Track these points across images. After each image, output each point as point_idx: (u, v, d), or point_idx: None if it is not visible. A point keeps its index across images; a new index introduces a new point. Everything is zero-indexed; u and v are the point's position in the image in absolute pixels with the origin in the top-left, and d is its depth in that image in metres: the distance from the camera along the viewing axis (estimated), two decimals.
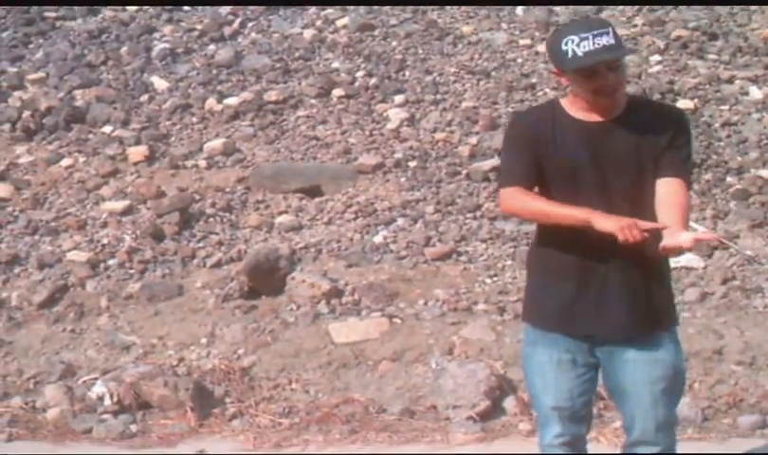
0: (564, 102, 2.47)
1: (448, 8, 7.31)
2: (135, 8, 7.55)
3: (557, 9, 7.28)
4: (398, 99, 6.30)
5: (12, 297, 4.75)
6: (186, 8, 7.54)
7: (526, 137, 2.43)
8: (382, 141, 5.96)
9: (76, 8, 7.52)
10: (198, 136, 6.11)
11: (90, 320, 4.62)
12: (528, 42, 6.85)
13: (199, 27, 7.22)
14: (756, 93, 6.33)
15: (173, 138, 6.11)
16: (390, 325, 4.44)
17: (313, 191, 5.58)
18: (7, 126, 6.25)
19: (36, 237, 5.21)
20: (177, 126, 6.21)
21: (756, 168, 5.69)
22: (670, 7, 7.27)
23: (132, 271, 4.95)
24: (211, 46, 7.00)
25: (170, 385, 4.03)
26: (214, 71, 6.69)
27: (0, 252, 5.06)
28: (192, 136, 6.13)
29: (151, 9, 7.50)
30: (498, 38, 6.89)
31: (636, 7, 7.26)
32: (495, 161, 5.68)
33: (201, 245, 5.16)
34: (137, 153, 5.89)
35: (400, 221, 5.29)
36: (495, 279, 4.82)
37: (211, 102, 6.36)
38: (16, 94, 6.58)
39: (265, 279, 4.74)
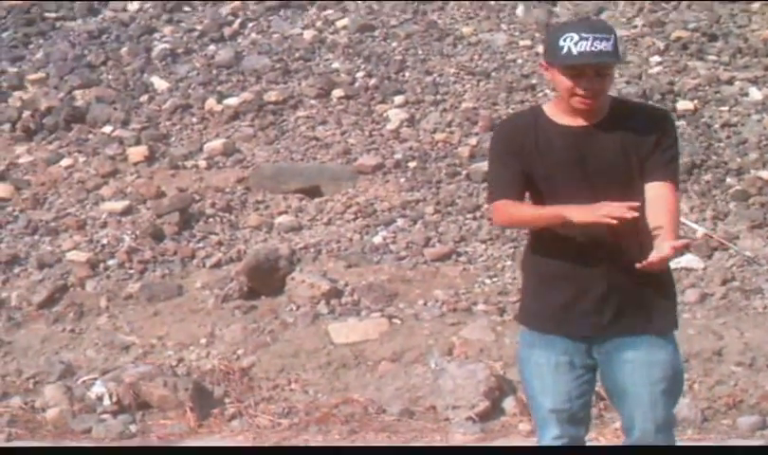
0: (547, 108, 2.46)
1: (448, 8, 7.31)
2: (135, 8, 7.55)
3: (558, 9, 7.28)
4: (398, 99, 6.30)
5: (12, 297, 4.75)
6: (186, 8, 7.55)
7: (510, 147, 2.41)
8: (382, 142, 5.96)
9: (76, 8, 7.53)
10: (198, 137, 6.11)
11: (90, 320, 4.62)
12: (528, 43, 6.86)
13: (199, 27, 7.22)
14: (755, 94, 6.33)
15: (172, 139, 6.11)
16: (389, 326, 4.44)
17: (313, 192, 5.58)
18: (7, 126, 6.25)
19: (36, 237, 5.21)
20: (177, 126, 6.21)
21: (755, 169, 5.69)
22: (670, 8, 7.27)
23: (131, 271, 4.95)
24: (211, 47, 7.00)
25: (169, 385, 4.03)
26: (214, 71, 6.69)
27: (0, 252, 5.06)
28: (191, 136, 6.13)
29: (151, 10, 7.51)
30: (498, 39, 6.89)
31: (636, 8, 7.27)
32: None
33: (201, 245, 5.16)
34: (137, 153, 5.89)
35: (400, 221, 5.29)
36: (494, 279, 4.82)
37: (211, 103, 6.36)
38: (16, 94, 6.58)
39: (265, 279, 4.74)
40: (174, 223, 5.25)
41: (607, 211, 2.23)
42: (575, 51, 2.28)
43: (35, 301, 4.71)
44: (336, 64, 6.71)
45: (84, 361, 4.31)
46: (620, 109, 2.43)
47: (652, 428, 2.41)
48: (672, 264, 2.56)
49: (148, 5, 7.55)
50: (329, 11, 7.33)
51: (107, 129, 6.17)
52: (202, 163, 5.85)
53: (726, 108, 6.20)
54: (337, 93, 6.38)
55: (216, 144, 5.97)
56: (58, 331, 4.54)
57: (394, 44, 6.90)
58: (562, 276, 2.40)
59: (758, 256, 5.00)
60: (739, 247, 5.05)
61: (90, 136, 6.15)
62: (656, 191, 2.35)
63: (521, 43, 6.86)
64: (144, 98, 6.47)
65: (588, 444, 2.62)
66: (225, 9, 7.43)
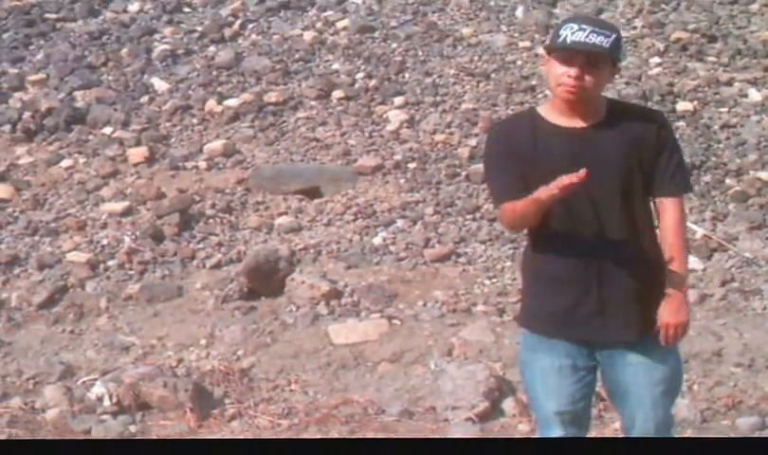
0: (543, 110, 2.46)
1: (447, 10, 7.32)
2: (135, 9, 7.56)
3: (558, 11, 7.29)
4: (398, 100, 6.31)
5: (12, 297, 4.76)
6: (186, 9, 7.56)
7: (508, 149, 2.41)
8: (382, 143, 5.97)
9: (76, 9, 7.54)
10: (198, 138, 6.12)
11: (90, 321, 4.63)
12: (528, 44, 6.86)
13: (199, 28, 7.23)
14: (755, 95, 6.34)
15: (173, 140, 6.11)
16: (389, 326, 4.44)
17: (312, 193, 5.59)
18: (7, 127, 6.25)
19: (36, 238, 5.22)
20: (177, 127, 6.21)
21: (755, 170, 5.70)
22: (670, 9, 7.28)
23: (131, 272, 4.95)
24: (212, 48, 7.01)
25: (169, 386, 4.03)
26: (214, 72, 6.70)
27: (0, 253, 5.07)
28: (192, 137, 6.13)
29: (151, 11, 7.52)
30: (497, 40, 6.90)
31: (636, 9, 7.28)
32: None
33: (201, 246, 5.17)
34: (137, 154, 5.90)
35: (399, 222, 5.30)
36: (494, 280, 4.83)
37: (211, 104, 6.36)
38: (17, 95, 6.59)
39: (265, 280, 4.75)
40: (174, 224, 5.26)
41: (567, 181, 2.21)
42: (569, 39, 2.31)
43: (35, 302, 4.71)
44: (336, 66, 6.72)
45: (84, 362, 4.31)
46: (617, 110, 2.44)
47: (652, 428, 2.44)
48: None
49: (148, 6, 7.56)
50: (329, 12, 7.34)
51: (107, 130, 6.18)
52: (202, 164, 5.85)
53: (726, 109, 6.21)
54: (337, 94, 6.38)
55: (216, 145, 5.97)
56: (58, 331, 4.55)
57: (394, 45, 6.91)
58: (563, 279, 2.40)
59: (757, 257, 5.00)
60: (738, 248, 5.05)
61: (90, 136, 6.16)
62: (666, 210, 2.41)
63: (521, 44, 6.87)
64: (144, 99, 6.48)
65: None
66: (225, 11, 7.44)
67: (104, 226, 5.31)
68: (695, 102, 6.24)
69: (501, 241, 5.12)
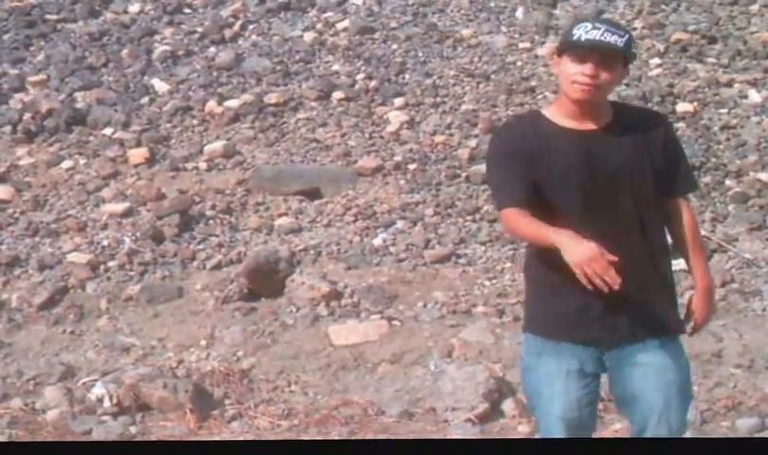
0: (549, 111, 2.43)
1: (448, 11, 7.33)
2: (136, 10, 7.57)
3: (558, 12, 7.29)
4: (398, 101, 6.32)
5: (12, 298, 4.76)
6: (187, 10, 7.56)
7: (514, 150, 2.36)
8: (382, 144, 5.97)
9: (77, 10, 7.54)
10: (198, 139, 6.12)
11: (90, 322, 4.63)
12: (528, 45, 6.87)
13: (200, 29, 7.24)
14: (755, 96, 6.34)
15: (173, 141, 6.12)
16: (389, 327, 4.44)
17: (313, 194, 5.59)
18: (8, 128, 6.26)
19: (36, 239, 5.22)
20: (178, 128, 6.22)
21: (755, 171, 5.70)
22: (670, 10, 7.28)
23: (132, 273, 4.96)
24: (212, 49, 7.01)
25: (169, 387, 4.04)
26: (215, 73, 6.71)
27: (0, 254, 5.07)
28: (192, 138, 6.14)
29: (152, 12, 7.52)
30: (497, 41, 6.90)
31: (636, 10, 7.28)
32: None
33: (201, 247, 5.17)
34: (138, 155, 5.91)
35: (400, 223, 5.30)
36: (494, 281, 4.83)
37: (212, 105, 6.37)
38: (17, 96, 6.59)
39: (265, 281, 4.75)
40: (175, 225, 5.26)
41: (591, 271, 2.15)
42: (584, 37, 2.31)
43: (35, 303, 4.72)
44: (336, 67, 6.72)
45: (85, 363, 4.31)
46: (623, 112, 2.45)
47: (665, 432, 2.39)
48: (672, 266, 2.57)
49: (149, 7, 7.57)
50: (329, 14, 7.34)
51: (108, 131, 6.18)
52: (202, 165, 5.86)
53: (726, 110, 6.21)
54: (337, 95, 6.39)
55: (217, 146, 5.98)
56: (58, 332, 4.55)
57: (394, 46, 6.92)
58: (570, 282, 2.33)
59: (757, 258, 5.01)
60: (738, 250, 5.06)
61: (91, 137, 6.17)
62: (680, 210, 2.45)
63: (521, 45, 6.87)
64: (145, 100, 6.49)
65: None
66: (225, 12, 7.44)
67: (105, 226, 5.31)
68: (695, 103, 6.24)
69: (501, 242, 5.12)
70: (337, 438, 3.83)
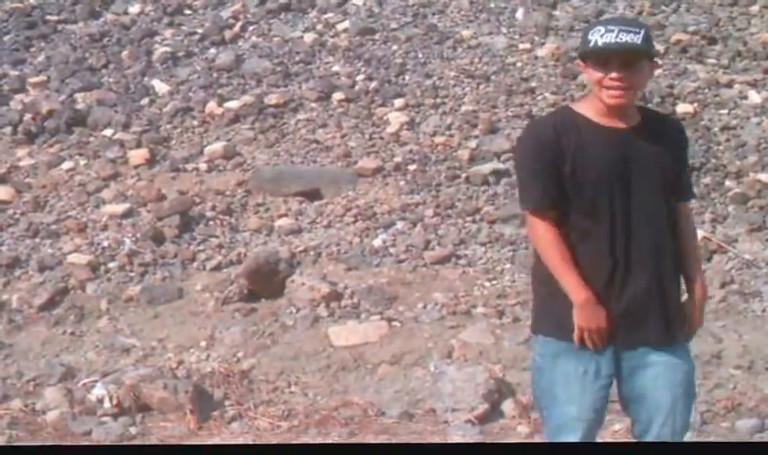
0: (581, 108, 2.43)
1: (448, 12, 7.34)
2: (136, 11, 7.58)
3: (558, 13, 7.30)
4: (398, 102, 6.32)
5: (13, 299, 4.77)
6: (187, 11, 7.57)
7: (546, 146, 2.36)
8: (382, 145, 5.97)
9: (77, 11, 7.55)
10: (199, 140, 6.13)
11: (90, 323, 4.63)
12: (528, 46, 6.87)
13: (200, 30, 7.24)
14: (755, 97, 6.34)
15: (173, 142, 6.12)
16: (389, 328, 4.45)
17: (313, 195, 5.60)
18: (8, 129, 6.27)
19: (37, 240, 5.23)
20: (178, 129, 6.23)
21: (754, 172, 5.70)
22: (670, 11, 7.29)
23: (132, 274, 4.96)
24: (212, 50, 7.02)
25: (169, 388, 4.04)
26: (215, 74, 6.71)
27: (1, 255, 5.08)
28: (192, 139, 6.14)
29: (152, 13, 7.53)
30: (497, 42, 6.91)
31: (636, 11, 7.28)
32: (494, 165, 5.70)
33: (201, 248, 5.18)
34: (138, 156, 5.91)
35: (399, 224, 5.31)
36: (494, 282, 4.83)
37: (212, 106, 6.38)
38: (18, 97, 6.60)
39: (265, 282, 4.75)
40: (175, 226, 5.27)
41: (588, 335, 2.38)
42: (600, 42, 2.32)
43: (36, 304, 4.72)
44: (336, 68, 6.73)
45: (85, 364, 4.32)
46: (649, 115, 2.48)
47: (668, 433, 2.41)
48: None
49: (149, 8, 7.58)
50: (329, 15, 7.35)
51: (108, 132, 6.19)
52: (202, 166, 5.87)
53: (726, 111, 6.21)
54: (337, 96, 6.39)
55: (217, 147, 5.99)
56: (58, 333, 4.56)
57: (395, 47, 6.92)
58: (591, 283, 2.37)
59: (756, 259, 5.01)
60: (737, 250, 5.06)
61: (91, 139, 6.17)
62: (686, 215, 2.52)
63: (521, 46, 6.88)
64: (145, 101, 6.49)
65: None
66: (225, 13, 7.45)
67: (105, 227, 5.32)
68: (695, 104, 6.24)
69: (500, 243, 5.13)
70: (336, 439, 3.83)
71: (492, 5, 7.36)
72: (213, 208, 5.46)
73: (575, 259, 2.38)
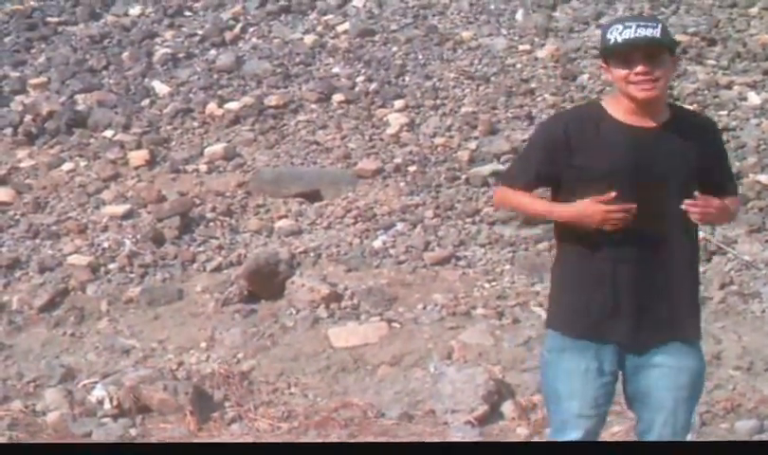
0: (608, 105, 2.45)
1: (448, 13, 7.34)
2: (136, 13, 7.59)
3: (557, 14, 7.30)
4: (398, 104, 6.33)
5: (13, 300, 4.77)
6: (187, 13, 7.58)
7: (551, 140, 2.41)
8: (382, 146, 5.98)
9: (78, 13, 7.56)
10: (199, 141, 6.14)
11: (90, 324, 4.64)
12: (528, 47, 6.88)
13: (200, 32, 7.25)
14: (754, 98, 6.35)
15: (173, 143, 6.13)
16: (389, 330, 4.45)
17: (313, 196, 5.60)
18: (9, 130, 6.28)
19: (37, 241, 5.23)
20: (178, 130, 6.23)
21: (754, 173, 5.70)
22: (669, 12, 7.29)
23: (132, 275, 4.97)
24: (212, 51, 7.03)
25: (169, 389, 4.04)
26: (215, 76, 6.72)
27: (1, 256, 5.08)
28: (192, 140, 6.15)
29: (152, 15, 7.54)
30: (497, 43, 6.92)
31: (635, 12, 7.28)
32: (494, 166, 5.70)
33: (201, 249, 5.18)
34: (138, 157, 5.92)
35: (399, 226, 5.31)
36: (493, 283, 4.84)
37: (212, 107, 6.38)
38: (18, 98, 6.61)
39: (265, 283, 4.76)
40: (175, 227, 5.27)
41: (598, 219, 2.32)
42: (620, 39, 2.33)
43: (36, 305, 4.73)
44: (336, 69, 6.74)
45: (85, 365, 4.32)
46: (681, 113, 2.48)
47: (669, 433, 2.42)
48: None
49: (149, 10, 7.59)
50: (330, 16, 7.36)
51: (108, 133, 6.20)
52: (203, 167, 5.87)
53: (725, 112, 6.22)
54: (337, 97, 6.40)
55: (217, 148, 5.99)
56: (59, 334, 4.56)
57: (395, 48, 6.93)
58: (597, 282, 2.39)
59: (756, 260, 5.01)
60: (737, 252, 5.06)
61: (91, 140, 6.18)
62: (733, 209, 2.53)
63: (521, 47, 6.88)
64: (145, 102, 6.50)
65: None
66: (226, 14, 7.46)
67: (105, 229, 5.32)
68: (695, 105, 6.24)
69: (500, 244, 5.13)
70: (336, 440, 3.84)
71: (492, 6, 7.37)
72: (213, 209, 5.47)
73: (578, 254, 2.43)
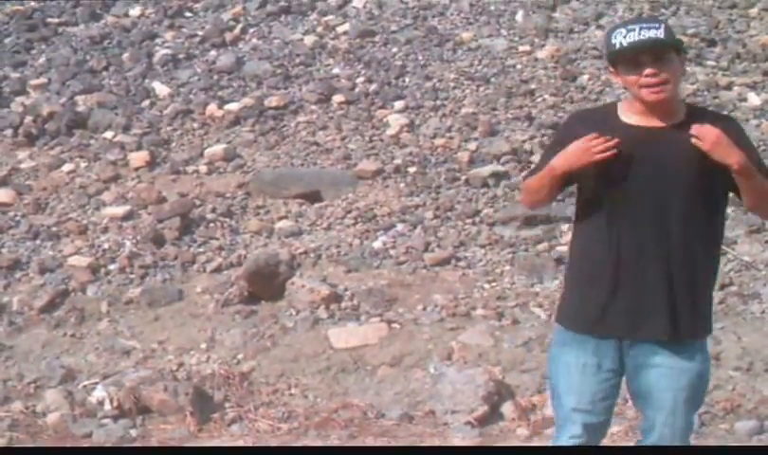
0: (622, 106, 2.47)
1: (448, 14, 7.35)
2: (136, 14, 7.59)
3: (557, 15, 7.31)
4: (398, 104, 6.33)
5: (13, 301, 4.78)
6: (187, 14, 7.59)
7: (572, 139, 2.42)
8: (382, 147, 5.99)
9: (78, 14, 7.57)
10: (199, 142, 6.14)
11: (91, 325, 4.64)
12: (527, 48, 6.88)
13: (200, 32, 7.26)
14: (754, 99, 6.35)
15: (173, 144, 6.14)
16: (389, 330, 4.46)
17: (313, 197, 5.61)
18: (9, 131, 6.28)
19: (37, 242, 5.24)
20: (178, 132, 6.24)
21: None
22: (669, 13, 7.30)
23: (132, 276, 4.97)
24: (213, 52, 7.03)
25: (169, 390, 4.05)
26: (215, 77, 6.73)
27: (1, 257, 5.09)
28: (192, 141, 6.16)
29: (152, 16, 7.54)
30: (497, 44, 6.92)
31: (635, 13, 7.29)
32: (494, 167, 5.71)
33: (201, 250, 5.19)
34: (139, 158, 5.92)
35: (399, 226, 5.32)
36: (493, 284, 4.84)
37: (212, 108, 6.39)
38: (18, 99, 6.61)
39: (265, 284, 4.76)
40: (175, 228, 5.28)
41: (581, 154, 2.35)
42: (626, 43, 2.33)
43: (36, 306, 4.73)
44: (336, 70, 6.74)
45: (85, 366, 4.33)
46: (695, 114, 2.45)
47: (668, 434, 2.43)
48: None
49: (150, 10, 7.60)
50: (330, 17, 7.36)
51: (109, 134, 6.20)
52: (203, 168, 5.88)
53: (725, 113, 6.21)
54: (337, 98, 6.41)
55: (217, 149, 6.00)
56: (59, 335, 4.57)
57: (395, 49, 6.93)
58: (601, 277, 2.41)
59: (755, 261, 5.01)
60: (737, 252, 5.07)
61: (92, 141, 6.19)
62: None
63: (521, 48, 6.89)
64: (145, 103, 6.51)
65: None
66: (226, 15, 7.47)
67: (105, 230, 5.33)
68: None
69: (500, 245, 5.13)
70: (336, 441, 3.84)
71: (492, 7, 7.37)
72: (214, 210, 5.48)
73: (584, 249, 2.45)
